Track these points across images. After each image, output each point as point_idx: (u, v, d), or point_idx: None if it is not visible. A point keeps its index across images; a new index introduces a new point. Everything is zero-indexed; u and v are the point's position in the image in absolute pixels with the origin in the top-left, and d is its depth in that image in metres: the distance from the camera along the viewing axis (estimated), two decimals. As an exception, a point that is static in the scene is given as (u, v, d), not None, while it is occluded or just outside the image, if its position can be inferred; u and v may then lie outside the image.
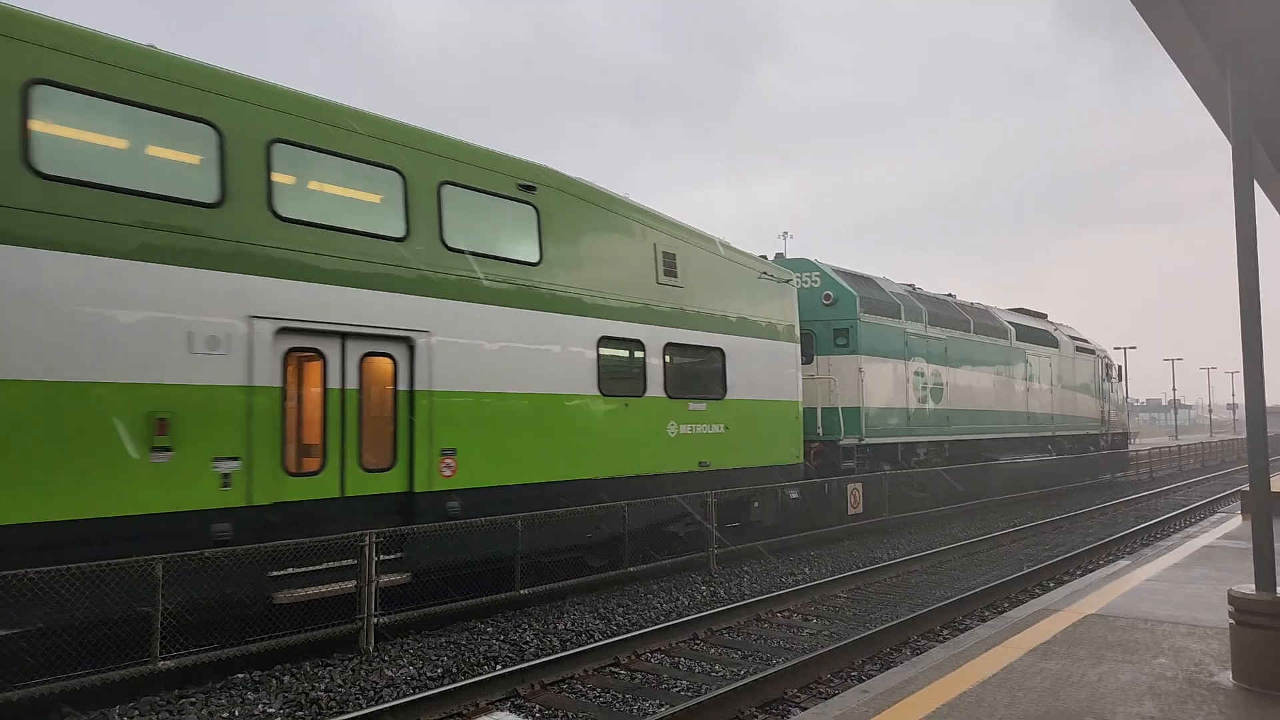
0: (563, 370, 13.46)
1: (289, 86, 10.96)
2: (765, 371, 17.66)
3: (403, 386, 11.44)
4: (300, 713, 8.17)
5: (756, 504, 16.92)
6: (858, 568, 15.40)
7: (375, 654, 10.00)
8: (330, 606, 10.10)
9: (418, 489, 11.36)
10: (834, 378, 21.45)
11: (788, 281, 18.83)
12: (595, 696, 8.73)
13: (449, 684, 8.70)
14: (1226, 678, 6.40)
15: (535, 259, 13.25)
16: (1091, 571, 13.47)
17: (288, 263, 10.33)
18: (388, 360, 11.38)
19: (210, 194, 9.79)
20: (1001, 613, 10.92)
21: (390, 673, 9.37)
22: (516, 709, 8.39)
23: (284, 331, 10.21)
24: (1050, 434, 31.37)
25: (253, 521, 9.67)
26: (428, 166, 11.99)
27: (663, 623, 11.22)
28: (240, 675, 9.17)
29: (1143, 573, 11.06)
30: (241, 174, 10.05)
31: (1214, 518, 17.71)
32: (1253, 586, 6.26)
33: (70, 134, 9.00)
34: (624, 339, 14.54)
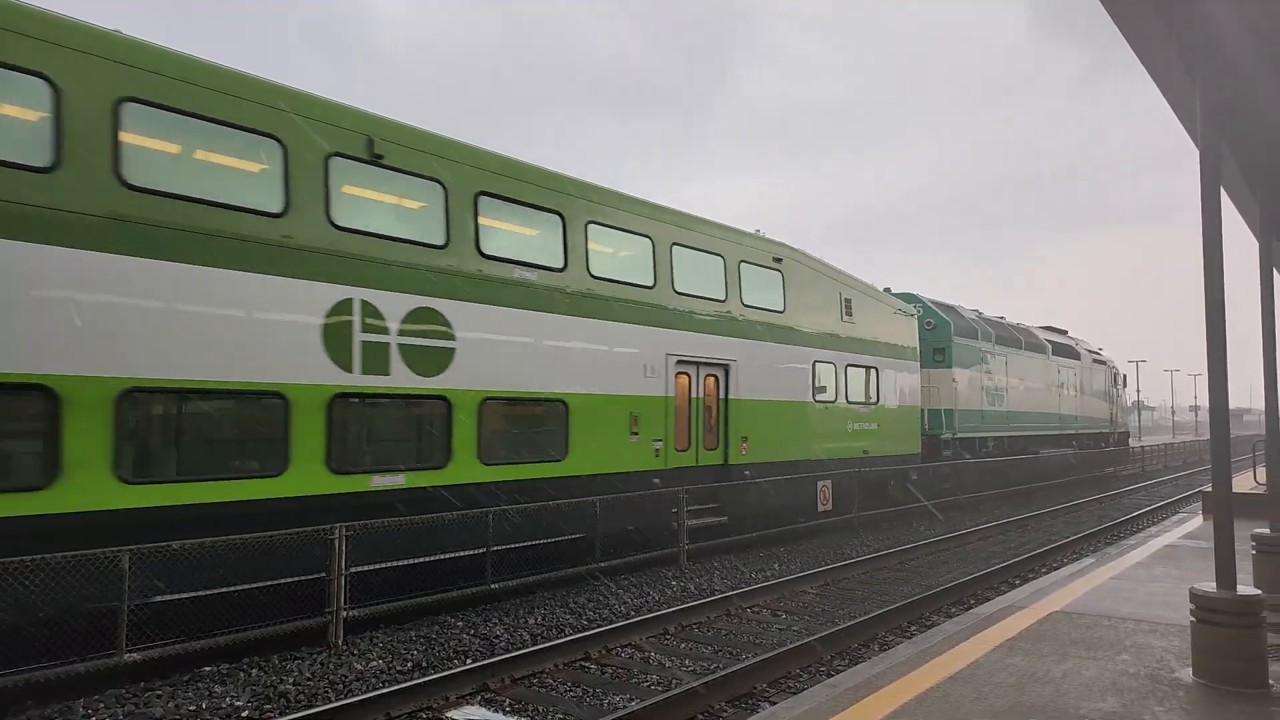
0: (798, 383, 19.76)
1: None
2: (900, 383, 23.70)
3: (721, 396, 17.66)
4: (268, 706, 8.14)
5: (891, 481, 23.06)
6: (827, 564, 15.51)
7: (344, 648, 9.97)
8: (297, 599, 10.07)
9: (731, 461, 17.68)
10: (934, 386, 26.71)
11: (912, 315, 24.67)
12: (566, 691, 8.76)
13: (419, 678, 8.68)
14: (1187, 674, 6.52)
15: (781, 308, 19.47)
16: (1056, 570, 13.63)
17: (682, 319, 16.62)
18: (714, 379, 17.54)
19: (649, 279, 16.11)
20: (968, 609, 11.03)
21: (360, 666, 9.35)
22: (487, 703, 8.40)
23: (678, 361, 16.48)
24: (1074, 432, 37.05)
25: (667, 478, 15.95)
26: (737, 252, 18.30)
27: (633, 618, 11.28)
28: (208, 668, 9.11)
29: (1106, 571, 11.22)
30: (663, 267, 16.44)
31: (1176, 517, 17.96)
32: (1213, 585, 6.38)
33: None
34: (825, 362, 20.64)
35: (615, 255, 15.67)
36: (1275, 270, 10.27)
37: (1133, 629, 8.08)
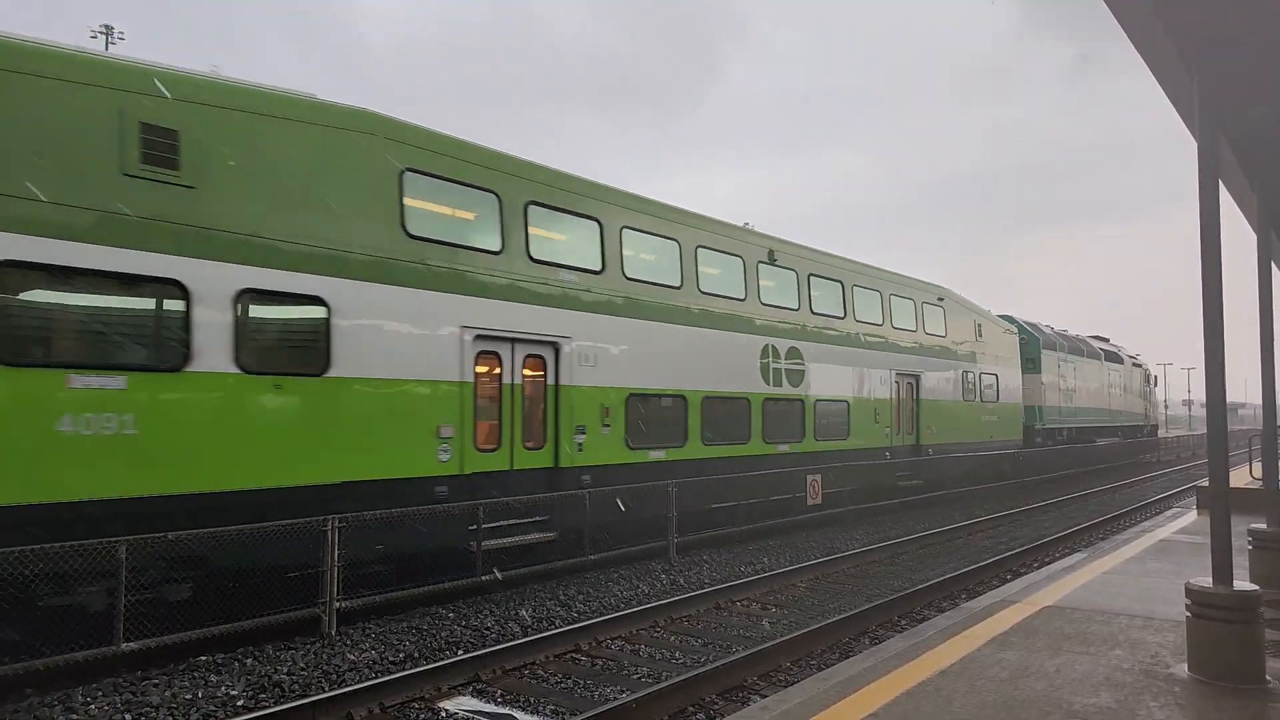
0: (952, 385, 27.14)
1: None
2: (1009, 386, 31.00)
3: (917, 397, 25.28)
4: (263, 695, 8.13)
5: (1006, 464, 29.66)
6: (816, 558, 15.51)
7: (337, 638, 9.96)
8: (290, 591, 10.06)
9: (922, 442, 25.16)
10: (1028, 388, 33.41)
11: (1013, 333, 32.08)
12: (557, 682, 8.76)
13: (411, 668, 8.67)
14: (1182, 669, 6.52)
15: (943, 334, 26.96)
16: (1049, 564, 13.64)
17: (898, 348, 24.45)
18: (910, 385, 25.01)
19: (880, 319, 24.04)
20: (960, 604, 11.04)
21: (353, 657, 9.33)
22: (479, 693, 8.39)
23: (897, 374, 24.40)
24: (1119, 425, 44.75)
25: (896, 451, 24.24)
26: (921, 296, 25.98)
27: (623, 610, 11.27)
28: (203, 658, 9.12)
29: (1100, 565, 11.22)
30: (887, 310, 24.51)
31: (1170, 512, 17.99)
32: (1209, 580, 6.38)
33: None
34: (969, 371, 28.19)
35: (868, 307, 23.31)
36: (1274, 264, 10.26)
37: (1126, 624, 8.08)
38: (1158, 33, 5.92)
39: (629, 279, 15.72)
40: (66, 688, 8.07)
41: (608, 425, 15.03)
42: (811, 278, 20.99)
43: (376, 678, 8.40)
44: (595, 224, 15.27)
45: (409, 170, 12.21)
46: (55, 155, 8.94)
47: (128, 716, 7.47)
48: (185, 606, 9.30)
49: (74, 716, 7.45)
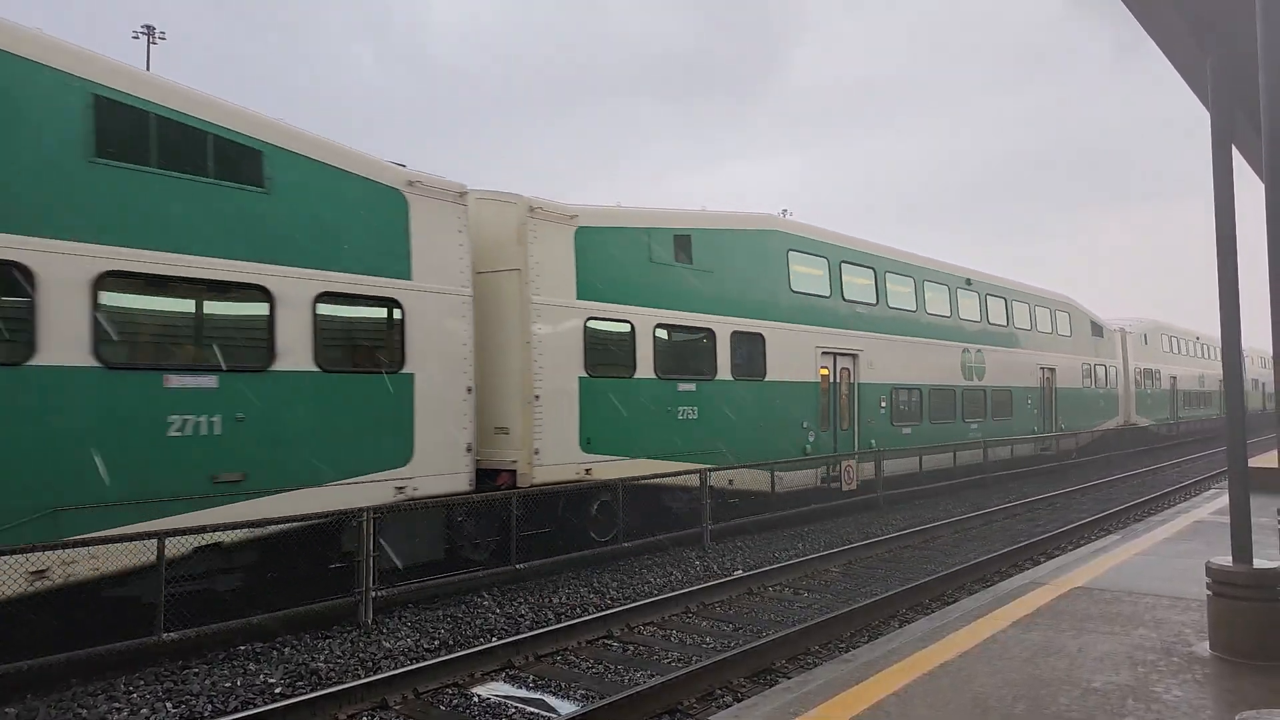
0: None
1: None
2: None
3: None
4: (300, 683, 8.34)
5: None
6: (851, 543, 15.56)
7: (374, 627, 10.17)
8: (328, 581, 10.29)
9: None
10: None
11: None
12: (588, 668, 8.91)
13: (446, 655, 8.85)
14: (1204, 648, 6.55)
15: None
16: (1082, 546, 13.60)
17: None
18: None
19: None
20: (989, 586, 11.05)
21: (388, 645, 9.54)
22: (512, 679, 8.56)
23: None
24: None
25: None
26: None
27: (655, 596, 11.39)
28: (242, 647, 9.35)
29: (1132, 547, 11.20)
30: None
31: (1208, 493, 17.84)
32: (1230, 558, 6.39)
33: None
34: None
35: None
36: None
37: (1152, 604, 8.09)
38: (1171, 16, 5.94)
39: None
40: (109, 677, 8.33)
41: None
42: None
43: (411, 664, 8.59)
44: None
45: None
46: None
47: (169, 704, 7.71)
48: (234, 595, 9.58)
49: (116, 705, 7.70)
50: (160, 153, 9.42)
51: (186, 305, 9.78)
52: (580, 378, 14.00)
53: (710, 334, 16.64)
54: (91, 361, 8.76)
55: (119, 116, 9.12)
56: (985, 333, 26.84)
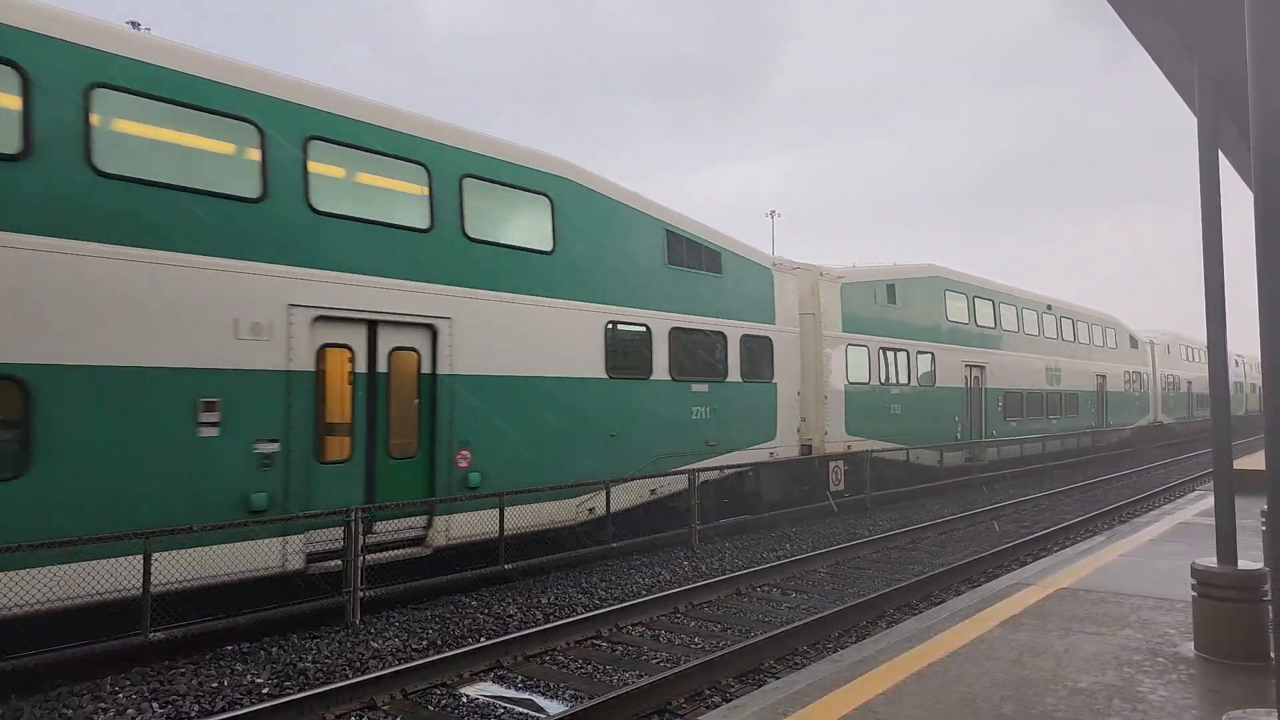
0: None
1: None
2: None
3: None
4: (288, 683, 8.32)
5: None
6: (838, 544, 15.61)
7: (361, 627, 10.15)
8: (315, 581, 10.26)
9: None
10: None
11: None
12: (577, 668, 8.91)
13: (434, 655, 8.84)
14: (1189, 648, 6.60)
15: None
16: (1067, 547, 13.67)
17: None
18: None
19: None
20: (976, 587, 11.10)
21: (376, 645, 9.52)
22: (500, 679, 8.56)
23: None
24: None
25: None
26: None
27: (644, 597, 11.41)
28: (229, 647, 9.33)
29: (1118, 548, 11.27)
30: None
31: (1193, 495, 17.94)
32: (1215, 560, 6.44)
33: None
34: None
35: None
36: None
37: (1138, 605, 8.15)
38: (1159, 24, 5.98)
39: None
40: (95, 677, 8.29)
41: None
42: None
43: (399, 665, 8.58)
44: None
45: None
46: None
47: (155, 704, 7.68)
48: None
49: (102, 705, 7.67)
50: (689, 259, 16.40)
51: (698, 343, 16.50)
52: (845, 385, 20.83)
53: (906, 353, 23.29)
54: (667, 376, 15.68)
55: (679, 241, 16.18)
56: (1059, 347, 32.90)
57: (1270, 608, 6.13)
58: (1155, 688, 5.74)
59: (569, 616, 10.61)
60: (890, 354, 22.62)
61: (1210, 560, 6.50)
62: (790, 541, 16.33)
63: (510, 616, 10.80)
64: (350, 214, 11.08)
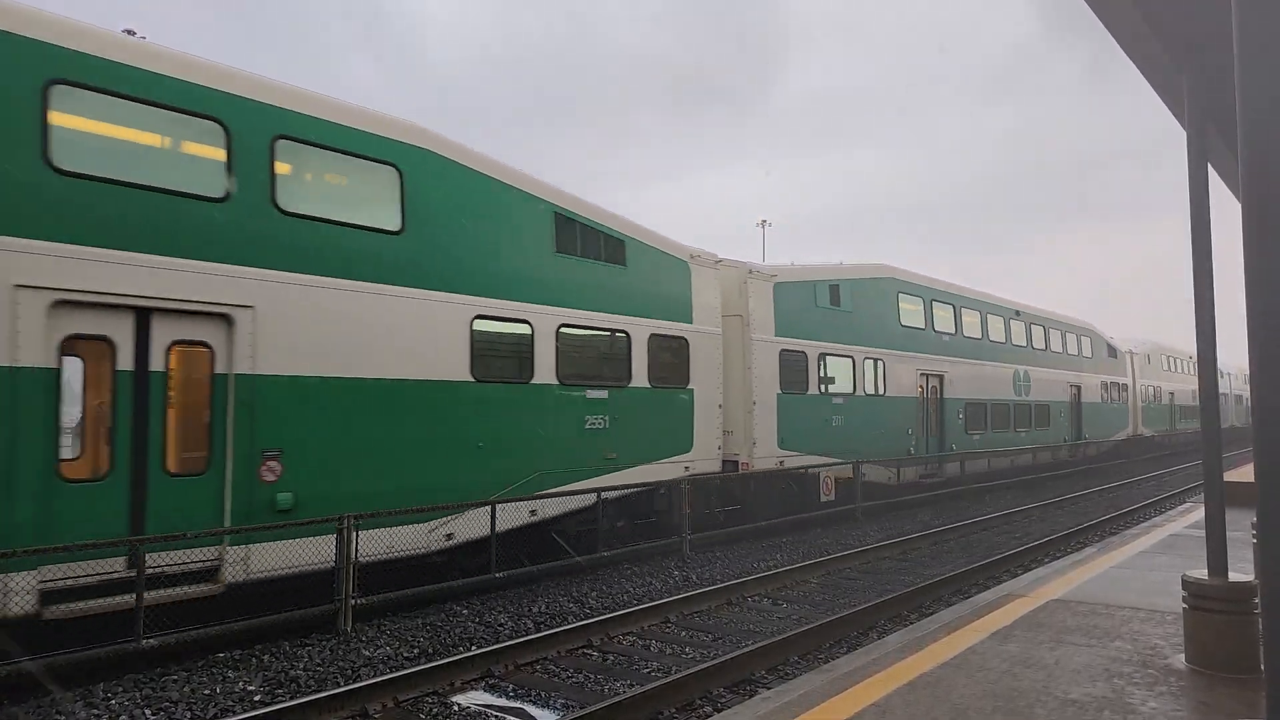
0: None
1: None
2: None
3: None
4: (280, 691, 8.31)
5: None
6: (828, 554, 15.61)
7: (353, 635, 10.13)
8: (307, 589, 10.24)
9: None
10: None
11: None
12: (568, 677, 8.90)
13: (425, 664, 8.83)
14: (1179, 660, 6.63)
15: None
16: (1059, 558, 13.70)
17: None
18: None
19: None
20: (967, 598, 11.12)
21: (368, 653, 9.51)
22: (491, 688, 8.55)
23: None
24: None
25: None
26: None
27: (635, 606, 11.40)
28: (221, 654, 9.30)
29: (1108, 560, 11.31)
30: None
31: (1183, 507, 17.99)
32: (1205, 572, 6.47)
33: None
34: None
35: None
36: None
37: (1129, 616, 8.18)
38: (1149, 40, 6.04)
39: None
40: (88, 684, 8.26)
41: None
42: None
43: (390, 673, 8.56)
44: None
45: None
46: None
47: (147, 711, 7.66)
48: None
49: (95, 711, 7.64)
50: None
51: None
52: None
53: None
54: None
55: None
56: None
57: (1261, 620, 6.16)
58: (1146, 699, 5.76)
59: (560, 625, 10.60)
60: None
61: (1201, 572, 6.53)
62: (781, 551, 16.32)
63: (501, 625, 10.78)
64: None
